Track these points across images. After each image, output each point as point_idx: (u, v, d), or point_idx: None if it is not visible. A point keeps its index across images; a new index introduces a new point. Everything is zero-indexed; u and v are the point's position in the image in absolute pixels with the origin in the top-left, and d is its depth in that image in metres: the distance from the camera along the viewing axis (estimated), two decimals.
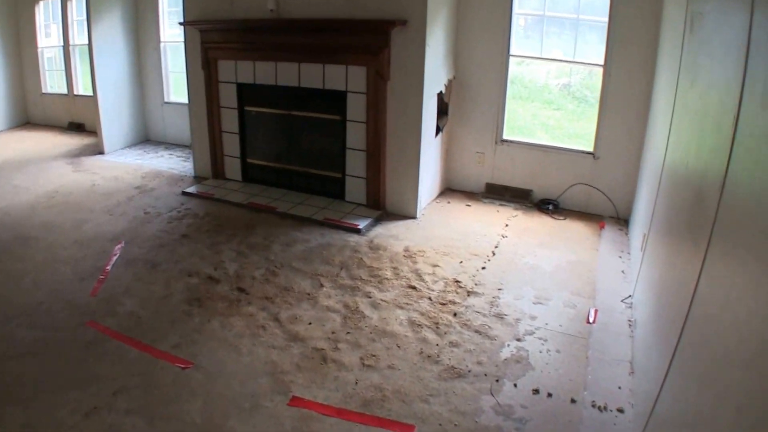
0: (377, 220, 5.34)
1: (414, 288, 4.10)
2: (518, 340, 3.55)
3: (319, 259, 4.55)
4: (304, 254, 4.63)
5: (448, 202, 5.88)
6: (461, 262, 4.52)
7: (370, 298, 3.98)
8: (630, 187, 5.40)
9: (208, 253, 4.61)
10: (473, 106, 5.93)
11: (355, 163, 5.59)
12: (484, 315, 3.80)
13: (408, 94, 5.15)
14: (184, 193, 5.93)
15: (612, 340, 3.58)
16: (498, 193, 6.02)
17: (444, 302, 3.93)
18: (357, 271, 4.34)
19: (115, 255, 4.53)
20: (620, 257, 4.70)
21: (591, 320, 3.79)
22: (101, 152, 7.48)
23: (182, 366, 3.26)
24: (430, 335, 3.57)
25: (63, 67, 9.07)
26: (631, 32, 5.10)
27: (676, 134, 3.41)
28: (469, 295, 4.03)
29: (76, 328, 3.59)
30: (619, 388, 3.17)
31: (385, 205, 5.58)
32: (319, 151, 5.92)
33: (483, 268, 4.44)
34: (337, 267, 4.42)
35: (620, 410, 3.01)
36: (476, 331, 3.62)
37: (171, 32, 7.90)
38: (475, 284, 4.19)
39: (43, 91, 9.49)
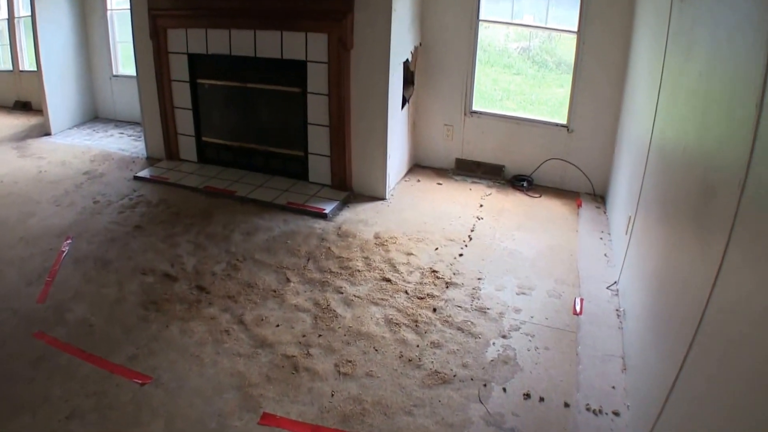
0: (344, 203, 5.03)
1: (388, 281, 3.83)
2: (504, 337, 3.33)
3: (284, 249, 4.24)
4: (267, 244, 4.30)
5: (418, 181, 5.60)
6: (437, 249, 4.27)
7: (342, 293, 3.70)
8: (606, 162, 5.20)
9: (163, 246, 4.24)
10: (441, 74, 5.61)
11: (318, 140, 5.23)
12: (466, 309, 3.56)
13: (373, 63, 4.79)
14: (137, 178, 5.48)
15: (601, 333, 3.40)
16: (469, 170, 5.76)
17: (422, 296, 3.67)
18: (325, 263, 4.04)
19: (64, 251, 4.13)
20: (601, 239, 4.51)
21: (578, 311, 3.59)
22: (48, 133, 6.89)
23: (140, 382, 2.94)
24: (410, 335, 3.32)
25: (8, 42, 8.34)
26: None
27: (667, 111, 3.20)
28: (447, 287, 3.79)
29: (23, 340, 3.23)
30: (613, 387, 2.99)
31: (352, 185, 5.26)
32: (279, 128, 5.53)
33: (460, 255, 4.19)
34: (304, 258, 4.11)
35: (616, 413, 2.84)
36: (459, 329, 3.38)
37: None
38: (453, 274, 3.94)
39: None
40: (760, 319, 1.52)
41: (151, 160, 5.99)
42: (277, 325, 3.39)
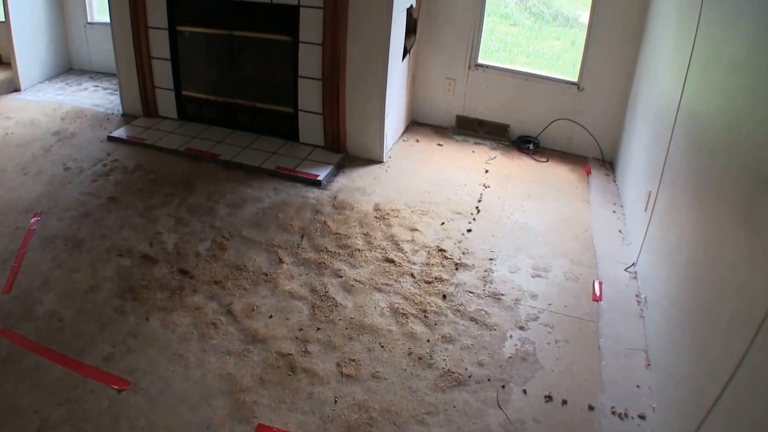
0: (339, 168, 4.64)
1: (392, 262, 3.49)
2: (521, 328, 3.03)
3: (275, 224, 3.86)
4: (256, 218, 3.93)
5: (417, 141, 5.20)
6: (443, 223, 3.92)
7: (341, 277, 3.36)
8: (617, 126, 4.84)
9: (141, 222, 3.84)
10: (445, 23, 5.13)
11: (310, 96, 4.78)
12: (478, 296, 3.24)
13: (374, 8, 4.31)
14: (111, 139, 5.01)
15: (623, 323, 3.12)
16: (471, 128, 5.37)
17: (429, 280, 3.35)
18: (321, 240, 3.69)
19: (32, 230, 3.72)
20: (614, 212, 4.19)
21: (597, 296, 3.30)
22: (17, 89, 6.29)
23: (117, 388, 2.61)
24: (419, 327, 3.00)
25: None
26: None
27: (701, 82, 2.88)
28: (457, 269, 3.46)
29: None
30: (638, 387, 2.74)
31: (346, 146, 4.86)
32: (267, 81, 5.06)
33: (469, 230, 3.85)
34: (298, 235, 3.75)
35: (642, 416, 2.59)
36: (472, 319, 3.07)
37: None
38: (463, 253, 3.61)
39: None
40: None
41: (127, 117, 5.51)
42: (270, 316, 3.06)
